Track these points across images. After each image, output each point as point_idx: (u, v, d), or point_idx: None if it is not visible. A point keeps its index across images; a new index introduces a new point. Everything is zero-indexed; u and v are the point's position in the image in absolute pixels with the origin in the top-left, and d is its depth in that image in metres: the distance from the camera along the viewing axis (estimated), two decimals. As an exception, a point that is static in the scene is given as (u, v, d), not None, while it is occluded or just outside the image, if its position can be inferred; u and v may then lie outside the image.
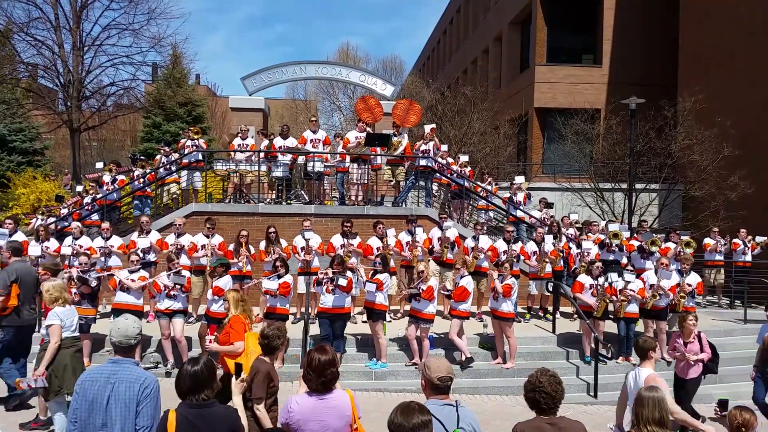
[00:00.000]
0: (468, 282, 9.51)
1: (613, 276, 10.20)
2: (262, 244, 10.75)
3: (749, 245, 13.66)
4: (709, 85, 19.75)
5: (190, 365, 3.61)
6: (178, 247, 10.61)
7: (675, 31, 23.19)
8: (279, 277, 9.07)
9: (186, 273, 9.25)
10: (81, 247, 10.62)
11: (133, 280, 8.96)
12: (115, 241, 10.95)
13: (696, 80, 20.55)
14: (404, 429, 3.11)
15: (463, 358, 9.51)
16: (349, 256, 10.41)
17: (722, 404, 4.63)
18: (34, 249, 10.57)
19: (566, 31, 26.56)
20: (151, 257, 10.80)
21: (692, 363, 7.63)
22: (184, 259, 10.37)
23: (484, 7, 34.11)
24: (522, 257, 11.46)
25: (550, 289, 11.67)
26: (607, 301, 9.86)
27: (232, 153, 13.66)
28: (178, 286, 8.93)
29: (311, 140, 13.35)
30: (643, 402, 3.98)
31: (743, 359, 10.86)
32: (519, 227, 13.57)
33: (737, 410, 4.33)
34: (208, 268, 10.53)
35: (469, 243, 11.47)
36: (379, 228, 10.96)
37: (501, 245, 11.47)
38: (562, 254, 11.71)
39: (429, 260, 11.44)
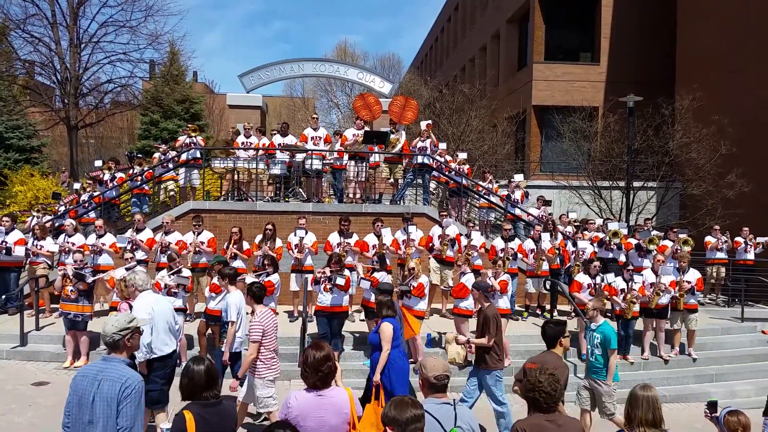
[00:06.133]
0: (468, 279, 9.49)
1: (610, 276, 10.22)
2: (258, 238, 10.74)
3: (751, 243, 13.64)
4: (707, 84, 19.77)
5: (197, 364, 3.68)
6: (164, 244, 10.51)
7: (673, 29, 23.21)
8: (267, 275, 9.03)
9: (188, 273, 9.20)
10: (74, 245, 10.60)
11: (128, 278, 8.93)
12: (108, 239, 10.86)
13: (694, 78, 20.56)
14: (398, 422, 3.16)
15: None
16: (345, 254, 10.40)
17: (711, 405, 4.62)
18: (20, 249, 10.59)
19: (564, 29, 26.55)
20: (138, 255, 10.49)
21: None
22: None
23: (482, 4, 34.10)
24: (520, 255, 11.46)
25: (548, 287, 11.69)
26: (606, 300, 9.87)
27: (231, 150, 13.63)
28: (181, 287, 8.91)
29: (312, 138, 13.33)
30: (638, 402, 3.94)
31: (740, 358, 10.92)
32: (516, 225, 13.58)
33: (733, 416, 4.31)
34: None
35: (463, 241, 11.46)
36: (377, 225, 10.96)
37: (499, 243, 11.47)
38: (558, 252, 11.73)
39: (429, 258, 11.46)
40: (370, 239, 10.91)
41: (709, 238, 13.69)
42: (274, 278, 9.06)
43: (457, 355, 7.30)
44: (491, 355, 6.91)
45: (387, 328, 6.33)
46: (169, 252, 9.96)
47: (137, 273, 6.63)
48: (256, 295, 6.50)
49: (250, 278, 9.20)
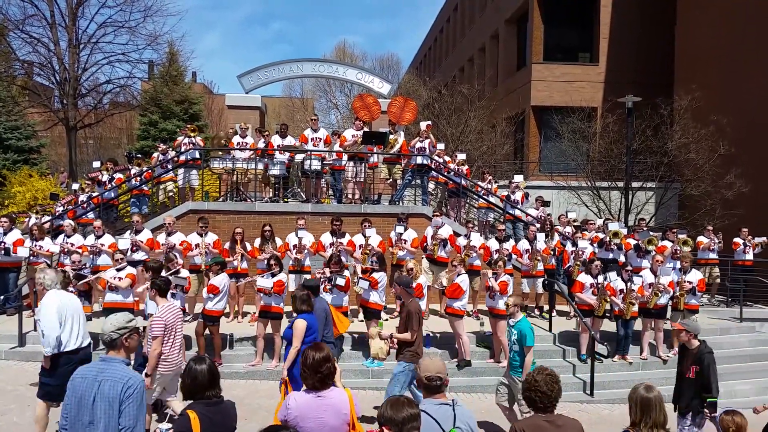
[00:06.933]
0: (463, 280, 9.50)
1: (612, 275, 10.22)
2: (257, 242, 10.74)
3: (750, 244, 13.61)
4: (706, 84, 19.80)
5: (199, 364, 3.71)
6: (169, 246, 10.50)
7: (672, 29, 23.25)
8: (273, 275, 9.05)
9: (186, 273, 9.16)
10: (73, 245, 10.58)
11: (120, 278, 8.91)
12: (106, 240, 10.85)
13: (692, 79, 20.59)
14: (394, 422, 3.17)
15: (466, 357, 9.53)
16: (338, 254, 10.40)
17: (711, 405, 4.65)
18: (22, 250, 10.57)
19: (563, 29, 26.58)
20: (138, 256, 10.43)
21: None
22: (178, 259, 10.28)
23: (480, 5, 34.12)
24: (514, 255, 11.47)
25: (546, 287, 11.69)
26: (608, 299, 9.89)
27: (230, 151, 13.63)
28: (179, 288, 8.89)
29: (312, 139, 13.32)
30: (650, 405, 3.90)
31: (738, 357, 10.94)
32: (516, 226, 13.57)
33: (728, 415, 4.32)
34: (203, 267, 10.44)
35: (461, 241, 11.46)
36: (364, 225, 10.99)
37: (493, 244, 11.48)
38: (553, 252, 11.73)
39: (422, 258, 11.46)
40: (358, 239, 10.94)
41: (701, 239, 13.67)
42: (283, 277, 9.09)
43: (380, 350, 7.29)
44: (410, 349, 6.95)
45: (299, 324, 6.36)
46: (166, 253, 9.94)
47: (46, 272, 6.64)
48: (161, 288, 6.43)
49: (260, 279, 9.21)
